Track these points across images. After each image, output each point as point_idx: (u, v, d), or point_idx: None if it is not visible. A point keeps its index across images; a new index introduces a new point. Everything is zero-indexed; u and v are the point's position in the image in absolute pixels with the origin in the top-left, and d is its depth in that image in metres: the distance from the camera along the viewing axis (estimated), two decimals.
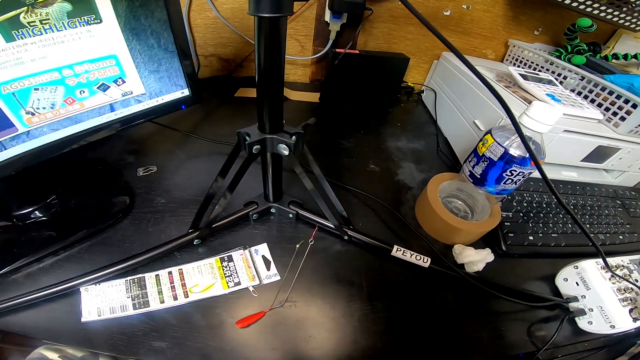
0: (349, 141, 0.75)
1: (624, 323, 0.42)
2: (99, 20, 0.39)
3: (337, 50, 0.79)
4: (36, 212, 0.49)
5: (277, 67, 0.34)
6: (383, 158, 0.72)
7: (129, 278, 0.44)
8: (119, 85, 0.45)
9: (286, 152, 0.39)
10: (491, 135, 0.45)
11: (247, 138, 0.38)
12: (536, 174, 0.36)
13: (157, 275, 0.44)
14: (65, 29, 0.37)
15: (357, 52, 0.80)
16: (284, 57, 0.34)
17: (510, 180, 0.45)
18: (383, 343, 0.42)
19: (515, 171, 0.44)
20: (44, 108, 0.40)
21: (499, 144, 0.44)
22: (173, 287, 0.43)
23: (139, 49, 0.44)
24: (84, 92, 0.43)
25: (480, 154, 0.46)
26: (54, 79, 0.39)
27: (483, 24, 0.91)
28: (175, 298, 0.42)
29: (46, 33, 0.36)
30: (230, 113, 0.80)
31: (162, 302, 0.42)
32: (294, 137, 0.38)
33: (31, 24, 0.35)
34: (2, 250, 0.45)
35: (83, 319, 0.39)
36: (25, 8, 0.34)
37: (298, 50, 0.91)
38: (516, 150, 0.43)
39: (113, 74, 0.44)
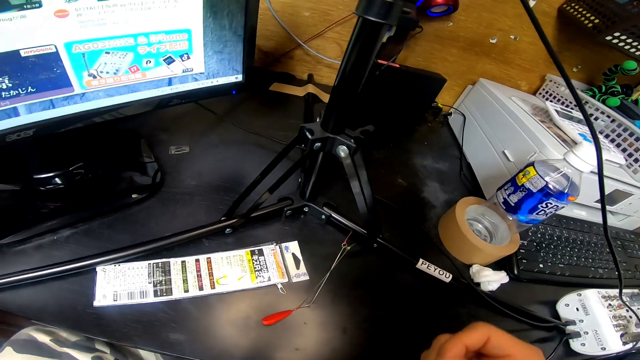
0: (379, 152, 0.77)
1: (614, 345, 0.46)
2: None
3: (379, 61, 0.79)
4: (58, 178, 0.46)
5: (363, 70, 0.35)
6: (410, 174, 0.73)
7: (152, 262, 0.41)
8: (183, 60, 0.45)
9: (344, 154, 0.40)
10: (534, 167, 0.46)
11: (309, 135, 0.39)
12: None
13: (183, 262, 0.42)
14: None
15: (397, 66, 0.81)
16: (371, 64, 0.35)
17: (542, 212, 0.48)
18: (402, 351, 0.43)
19: (551, 204, 0.46)
20: (107, 72, 0.40)
21: (540, 176, 0.45)
22: (199, 276, 0.42)
23: (211, 28, 0.44)
24: (150, 62, 0.42)
25: (519, 184, 0.48)
26: (127, 44, 0.39)
27: (526, 55, 0.92)
28: (201, 288, 0.41)
29: None
30: (263, 105, 0.80)
31: (187, 291, 0.40)
32: (353, 140, 0.39)
33: None
34: (13, 216, 0.42)
35: (96, 303, 0.36)
36: None
37: (338, 54, 0.92)
38: (556, 185, 0.44)
39: (181, 49, 0.44)
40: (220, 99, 0.54)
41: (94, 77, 0.39)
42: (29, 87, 0.35)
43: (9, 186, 0.45)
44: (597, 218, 0.72)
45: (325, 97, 0.90)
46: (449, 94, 1.02)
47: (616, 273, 0.62)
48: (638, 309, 0.51)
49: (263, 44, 0.90)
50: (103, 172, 0.51)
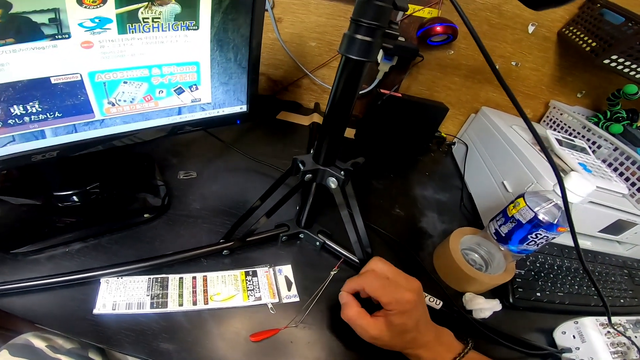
0: (379, 182, 0.78)
1: None
2: (196, 27, 0.43)
3: (382, 90, 0.82)
4: (75, 196, 0.51)
5: (348, 105, 0.38)
6: (409, 204, 0.74)
7: (152, 276, 0.44)
8: (192, 91, 0.49)
9: (334, 186, 0.42)
10: (524, 199, 0.47)
11: (302, 166, 0.42)
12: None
13: (180, 278, 0.45)
14: (169, 30, 0.41)
15: (399, 95, 0.83)
16: (356, 99, 0.38)
17: (533, 242, 0.48)
18: None
19: (541, 235, 0.46)
20: (124, 101, 0.43)
21: (530, 208, 0.46)
22: (195, 292, 0.44)
23: (218, 60, 0.48)
24: (162, 92, 0.46)
25: (510, 215, 0.48)
26: (142, 75, 0.43)
27: (528, 82, 0.92)
28: (195, 303, 0.43)
29: (152, 31, 0.40)
30: (270, 134, 0.84)
31: (181, 305, 0.42)
32: (343, 172, 0.42)
33: (144, 20, 0.38)
34: (32, 228, 0.46)
35: (95, 311, 0.39)
36: (146, 4, 0.37)
37: None
38: (545, 216, 0.45)
39: (191, 80, 0.48)
40: (228, 127, 0.58)
41: (113, 104, 0.43)
42: (56, 112, 0.39)
43: (30, 201, 0.50)
44: (602, 247, 0.71)
45: None
46: (452, 123, 1.03)
47: (621, 301, 0.62)
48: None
49: (272, 73, 0.95)
50: (117, 192, 0.54)
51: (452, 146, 1.00)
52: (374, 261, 0.44)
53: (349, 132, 0.93)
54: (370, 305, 0.42)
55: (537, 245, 0.48)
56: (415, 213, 0.72)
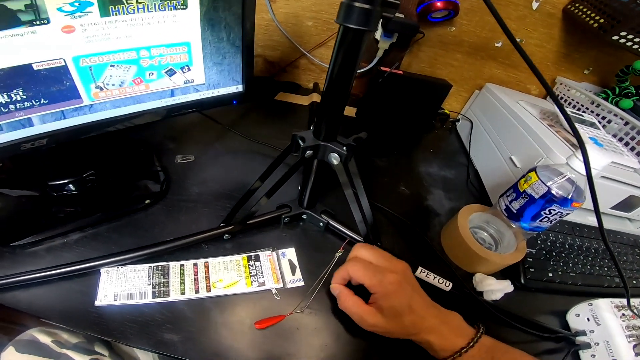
0: (382, 160, 0.76)
1: (627, 357, 0.44)
2: (185, 7, 0.41)
3: (382, 68, 0.80)
4: (71, 185, 0.49)
5: (349, 77, 0.36)
6: (414, 182, 0.72)
7: (152, 264, 0.43)
8: (184, 72, 0.47)
9: (336, 162, 0.40)
10: (536, 173, 0.45)
11: (301, 142, 0.39)
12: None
13: (182, 265, 0.44)
14: (155, 10, 0.39)
15: (401, 72, 0.80)
16: (357, 70, 0.36)
17: (546, 219, 0.46)
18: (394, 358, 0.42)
19: (554, 210, 0.44)
20: (113, 85, 0.42)
21: (542, 182, 0.44)
22: (196, 280, 0.43)
23: (210, 40, 0.46)
24: (152, 74, 0.44)
25: (521, 190, 0.47)
26: (130, 58, 0.41)
27: (533, 58, 0.86)
28: (197, 291, 0.42)
29: (138, 12, 0.38)
30: (268, 115, 0.82)
31: (183, 293, 0.42)
32: (345, 147, 0.39)
33: (128, 2, 0.36)
34: (29, 220, 0.45)
35: (97, 302, 0.39)
36: None
37: None
38: (559, 191, 0.43)
39: (182, 61, 0.46)
40: (226, 109, 0.56)
41: (101, 89, 0.41)
42: (42, 99, 0.38)
43: (26, 192, 0.48)
44: (613, 225, 0.69)
45: None
46: (456, 100, 1.01)
47: (634, 282, 0.61)
48: None
49: (269, 54, 0.92)
50: (113, 179, 0.53)
51: (456, 123, 0.98)
52: (357, 248, 0.44)
53: (350, 111, 0.91)
54: (367, 293, 0.41)
55: (550, 222, 0.46)
56: (420, 191, 0.70)
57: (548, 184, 0.43)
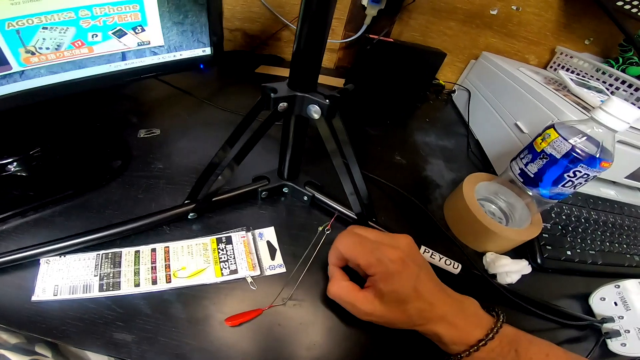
0: (374, 129, 0.70)
1: None
2: None
3: (371, 35, 0.73)
4: (15, 163, 0.43)
5: (325, 7, 0.28)
6: (410, 151, 0.66)
7: (102, 252, 0.37)
8: (137, 33, 0.42)
9: (317, 116, 0.32)
10: (555, 129, 0.38)
11: (273, 94, 0.32)
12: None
13: (137, 252, 0.37)
14: None
15: (391, 40, 0.74)
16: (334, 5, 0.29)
17: (570, 183, 0.39)
18: (401, 355, 0.35)
19: (580, 172, 0.38)
20: (47, 49, 0.37)
21: (564, 139, 0.37)
22: (154, 269, 0.36)
23: None
24: (96, 36, 0.39)
25: (539, 150, 0.40)
26: (67, 19, 0.36)
27: (531, 27, 0.85)
28: (155, 282, 0.35)
29: None
30: (249, 88, 0.75)
31: (137, 285, 0.35)
32: (327, 99, 0.32)
33: None
34: None
35: (34, 298, 0.33)
36: None
37: None
38: (585, 148, 0.36)
39: (133, 20, 0.41)
40: (202, 82, 0.50)
41: (33, 53, 0.36)
42: None
43: None
44: (628, 198, 0.63)
45: None
46: (451, 70, 0.95)
47: None
48: None
49: (248, 27, 0.86)
50: (60, 157, 0.47)
51: (452, 94, 0.93)
52: (351, 227, 0.38)
53: (338, 82, 0.85)
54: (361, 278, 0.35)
55: (575, 187, 0.39)
56: (418, 161, 0.64)
57: (570, 140, 0.37)
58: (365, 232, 0.36)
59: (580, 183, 0.39)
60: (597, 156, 0.36)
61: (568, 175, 0.38)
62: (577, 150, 0.36)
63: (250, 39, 0.88)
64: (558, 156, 0.38)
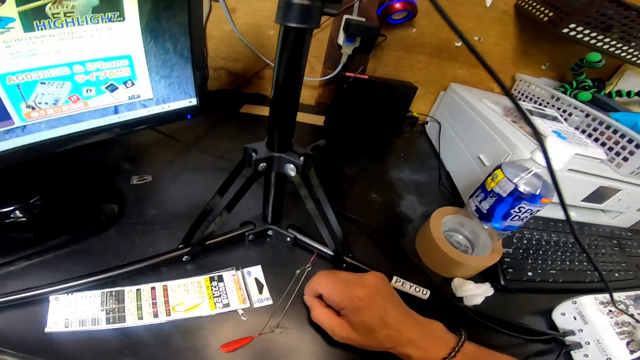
0: (351, 168, 0.75)
1: (621, 355, 0.42)
2: (122, 19, 0.39)
3: (347, 74, 0.79)
4: (17, 211, 0.46)
5: (296, 82, 0.34)
6: (385, 188, 0.71)
7: (105, 290, 0.41)
8: (127, 87, 0.44)
9: (293, 173, 0.38)
10: (502, 170, 0.44)
11: (254, 154, 0.37)
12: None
13: (138, 290, 0.41)
14: (87, 24, 0.36)
15: (366, 77, 0.80)
16: (304, 73, 0.34)
17: (517, 217, 0.44)
18: None
19: (524, 208, 0.43)
20: (46, 103, 0.39)
21: (509, 179, 0.43)
22: (155, 304, 0.40)
23: (154, 52, 0.44)
24: (90, 90, 0.41)
25: (489, 189, 0.45)
26: (63, 74, 0.38)
27: (493, 56, 0.91)
28: (156, 315, 0.39)
29: (67, 27, 0.35)
30: (233, 129, 0.79)
31: (141, 318, 0.39)
32: (302, 157, 0.37)
33: (55, 16, 0.34)
34: None
35: (47, 329, 0.36)
36: None
37: (307, 71, 0.90)
38: (526, 187, 0.42)
39: (124, 75, 0.43)
40: (189, 125, 0.53)
41: (33, 108, 0.38)
42: None
43: None
44: (588, 218, 0.70)
45: (298, 115, 0.87)
46: (424, 102, 1.01)
47: (615, 275, 0.60)
48: None
49: (232, 66, 0.91)
50: (60, 205, 0.50)
51: (425, 125, 0.98)
52: (322, 272, 0.43)
53: (318, 120, 0.89)
54: None
55: (522, 220, 0.45)
56: (393, 197, 0.68)
57: (515, 180, 0.42)
58: (339, 274, 0.41)
59: (526, 216, 0.44)
60: (538, 193, 0.42)
61: (514, 211, 0.43)
62: (520, 189, 0.42)
63: (234, 78, 0.92)
64: (504, 195, 0.43)
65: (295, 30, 0.29)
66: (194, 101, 0.53)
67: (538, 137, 0.23)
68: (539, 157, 0.41)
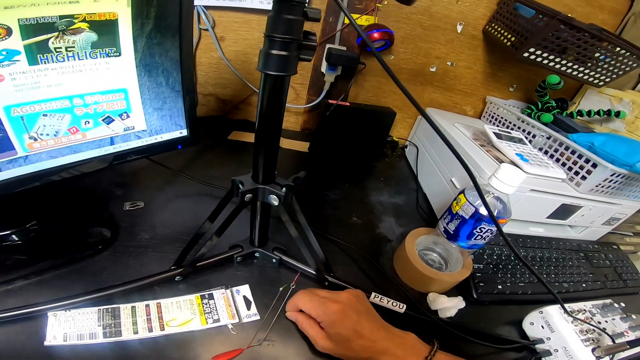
0: (334, 193, 0.78)
1: None
2: (118, 54, 0.41)
3: (330, 101, 0.83)
4: (14, 235, 0.48)
5: (276, 121, 0.38)
6: (366, 211, 0.74)
7: (102, 307, 0.43)
8: (123, 119, 0.47)
9: (276, 203, 0.42)
10: (464, 195, 0.49)
11: (241, 186, 0.41)
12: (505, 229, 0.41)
13: (133, 307, 0.44)
14: (87, 58, 0.39)
15: (347, 104, 0.85)
16: (283, 114, 0.38)
17: (480, 237, 0.49)
18: None
19: (484, 228, 0.48)
20: (47, 135, 0.41)
21: (470, 203, 0.48)
22: (149, 320, 0.43)
23: (148, 86, 0.46)
24: (88, 122, 0.44)
25: (454, 212, 0.50)
26: (63, 106, 0.40)
27: (465, 80, 0.96)
28: (150, 330, 0.42)
29: (68, 61, 0.38)
30: (222, 155, 0.82)
31: (136, 332, 0.41)
32: (284, 189, 0.41)
33: (57, 50, 0.36)
34: None
35: (46, 343, 0.38)
36: (57, 34, 0.36)
37: (293, 98, 0.96)
38: (485, 210, 0.46)
39: (120, 108, 0.46)
40: (178, 151, 0.56)
41: (35, 139, 0.40)
42: None
43: None
44: (555, 233, 0.74)
45: (282, 142, 0.91)
46: (403, 127, 1.05)
47: (583, 285, 0.63)
48: (612, 319, 0.52)
49: (220, 93, 0.93)
50: (55, 229, 0.52)
51: (405, 149, 1.02)
52: (302, 290, 0.47)
53: (303, 146, 0.93)
54: None
55: (484, 239, 0.49)
56: (372, 220, 0.72)
57: (475, 204, 0.47)
58: (317, 291, 0.46)
59: (488, 235, 0.49)
60: (496, 215, 0.47)
61: (476, 231, 0.48)
62: (480, 212, 0.47)
63: (222, 104, 0.96)
64: (467, 217, 0.48)
65: (274, 77, 0.34)
66: (185, 132, 0.56)
67: (469, 173, 0.28)
68: (494, 182, 0.46)
